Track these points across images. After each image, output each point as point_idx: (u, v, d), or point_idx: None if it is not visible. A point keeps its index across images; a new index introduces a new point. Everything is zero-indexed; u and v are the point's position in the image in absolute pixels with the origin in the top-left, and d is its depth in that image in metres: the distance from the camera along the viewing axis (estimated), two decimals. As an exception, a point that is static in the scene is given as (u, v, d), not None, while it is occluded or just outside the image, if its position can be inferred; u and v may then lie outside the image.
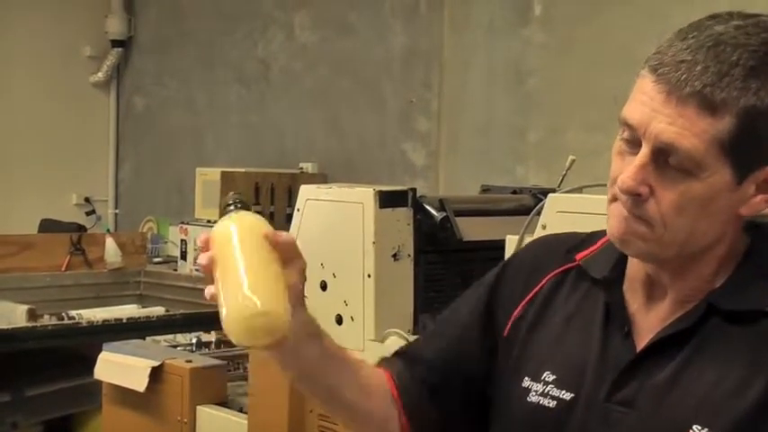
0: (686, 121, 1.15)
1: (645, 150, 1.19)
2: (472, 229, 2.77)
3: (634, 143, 1.21)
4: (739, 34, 1.17)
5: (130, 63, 7.19)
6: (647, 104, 1.18)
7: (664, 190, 1.19)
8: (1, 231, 4.99)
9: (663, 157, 1.18)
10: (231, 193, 1.34)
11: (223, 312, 1.21)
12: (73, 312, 4.13)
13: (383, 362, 1.53)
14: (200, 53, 6.58)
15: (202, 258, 1.27)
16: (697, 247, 1.24)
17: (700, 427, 1.18)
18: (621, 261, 1.34)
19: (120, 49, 7.11)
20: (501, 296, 1.45)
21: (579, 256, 1.40)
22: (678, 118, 1.16)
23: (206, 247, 1.27)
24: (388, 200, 2.65)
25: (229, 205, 1.31)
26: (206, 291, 1.26)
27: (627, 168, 1.20)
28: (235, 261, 1.23)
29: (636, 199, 1.20)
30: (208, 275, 1.26)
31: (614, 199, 1.24)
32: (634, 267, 1.33)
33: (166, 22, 6.92)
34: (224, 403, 3.00)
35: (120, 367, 3.17)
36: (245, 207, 1.31)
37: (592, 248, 1.40)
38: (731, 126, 1.15)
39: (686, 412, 1.20)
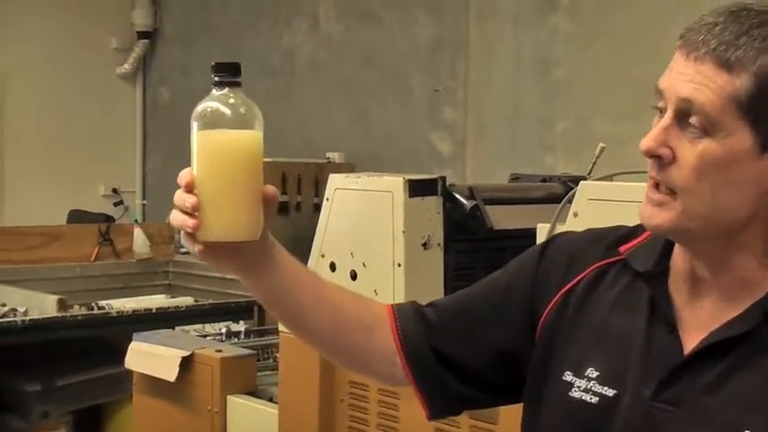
0: (703, 78, 1.17)
1: (669, 113, 1.20)
2: (502, 218, 2.76)
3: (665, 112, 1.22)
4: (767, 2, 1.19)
5: (156, 55, 7.21)
6: (673, 69, 1.21)
7: (684, 151, 1.19)
8: (30, 222, 5.03)
9: (685, 118, 1.19)
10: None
11: (206, 227, 1.27)
12: (102, 302, 4.16)
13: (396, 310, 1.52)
14: (226, 44, 6.59)
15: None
16: (725, 222, 1.22)
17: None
18: (665, 255, 1.32)
19: (146, 41, 7.14)
20: (540, 280, 1.43)
21: (624, 248, 1.38)
22: (696, 75, 1.18)
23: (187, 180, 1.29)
24: (417, 189, 2.64)
25: (221, 83, 1.35)
26: (181, 197, 1.29)
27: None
28: (229, 183, 1.29)
29: (659, 162, 1.21)
30: (189, 183, 1.29)
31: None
32: (678, 261, 1.31)
33: (192, 14, 6.94)
34: (254, 393, 3.00)
35: (150, 357, 3.18)
36: (236, 82, 1.33)
37: (635, 241, 1.38)
38: (749, 84, 1.16)
39: (736, 415, 1.18)
